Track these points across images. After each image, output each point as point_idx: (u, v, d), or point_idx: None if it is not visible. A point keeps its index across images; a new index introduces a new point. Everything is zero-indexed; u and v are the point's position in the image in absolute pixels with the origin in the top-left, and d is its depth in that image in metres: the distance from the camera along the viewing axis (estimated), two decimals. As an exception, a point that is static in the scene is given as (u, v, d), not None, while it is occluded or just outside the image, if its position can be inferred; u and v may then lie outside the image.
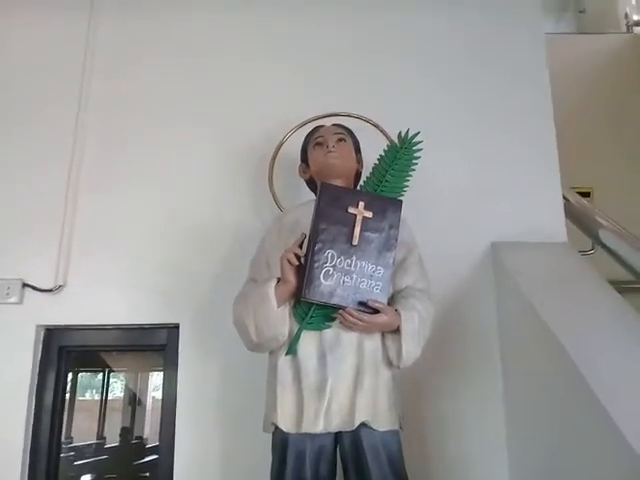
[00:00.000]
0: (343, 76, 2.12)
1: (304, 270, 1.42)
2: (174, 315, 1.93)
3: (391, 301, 1.50)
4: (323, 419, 1.39)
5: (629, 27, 3.96)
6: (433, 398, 1.79)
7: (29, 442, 1.88)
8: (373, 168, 1.57)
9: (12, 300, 1.93)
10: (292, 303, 1.47)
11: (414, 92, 2.11)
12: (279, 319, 1.44)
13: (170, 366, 1.93)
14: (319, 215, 1.44)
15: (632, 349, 1.40)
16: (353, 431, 1.39)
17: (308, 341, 1.45)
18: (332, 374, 1.41)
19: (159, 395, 1.99)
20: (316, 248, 1.42)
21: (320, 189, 1.46)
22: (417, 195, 1.62)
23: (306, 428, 1.39)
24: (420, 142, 1.55)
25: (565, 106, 2.32)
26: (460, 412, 1.78)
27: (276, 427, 1.43)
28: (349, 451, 1.41)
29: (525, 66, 2.14)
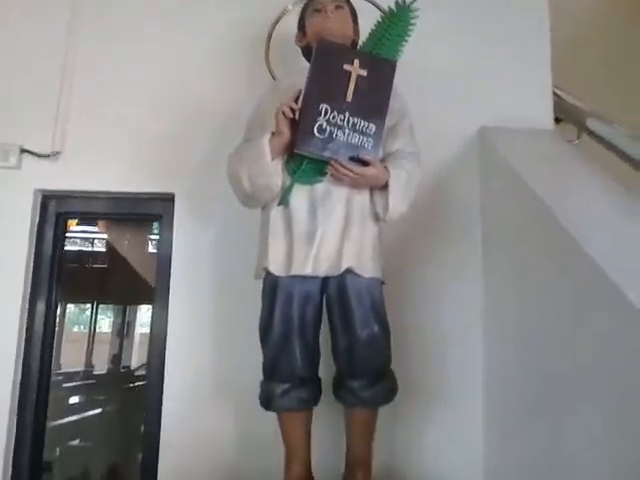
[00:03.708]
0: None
1: (298, 124, 1.47)
2: (170, 185, 1.99)
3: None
4: (312, 263, 1.48)
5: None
6: (414, 265, 1.89)
7: (27, 302, 1.97)
8: (370, 32, 1.59)
9: (10, 164, 1.97)
10: (285, 158, 1.53)
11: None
12: (272, 171, 1.50)
13: (166, 235, 2.00)
14: (315, 70, 1.47)
15: (624, 218, 1.42)
16: (339, 277, 1.48)
17: (300, 194, 1.52)
18: (322, 223, 1.49)
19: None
20: (310, 102, 1.47)
21: (317, 44, 1.49)
22: (408, 78, 1.63)
23: (295, 270, 1.48)
24: (417, 10, 1.57)
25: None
26: (439, 281, 1.89)
27: (267, 272, 1.52)
28: (335, 296, 1.50)
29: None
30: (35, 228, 2.00)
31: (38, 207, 2.01)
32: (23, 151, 1.98)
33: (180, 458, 1.82)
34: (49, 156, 1.97)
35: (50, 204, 2.03)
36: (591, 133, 1.98)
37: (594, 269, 1.18)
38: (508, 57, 2.05)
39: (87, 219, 2.30)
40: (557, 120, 2.17)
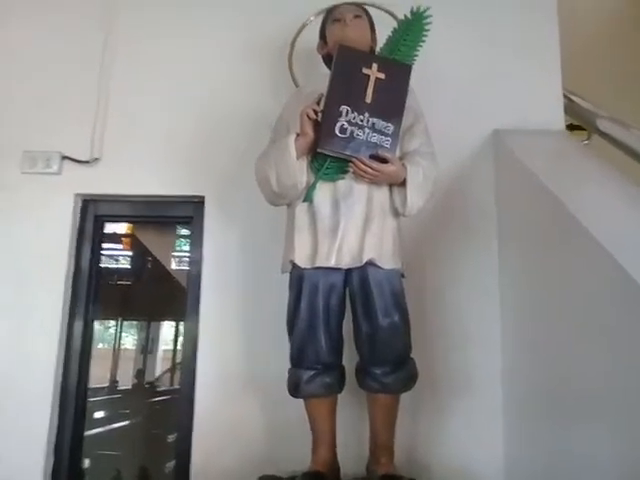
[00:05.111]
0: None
1: (321, 125, 1.58)
2: (200, 189, 2.11)
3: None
4: (335, 256, 1.57)
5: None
6: (433, 261, 1.98)
7: (68, 301, 2.10)
8: (387, 39, 1.69)
9: (52, 170, 2.11)
10: (309, 158, 1.63)
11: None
12: (298, 169, 1.60)
13: (196, 236, 2.12)
14: (336, 74, 1.58)
15: (636, 211, 1.46)
16: (361, 269, 1.57)
17: (323, 191, 1.62)
18: (344, 218, 1.58)
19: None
20: (332, 104, 1.57)
21: (338, 50, 1.60)
22: (421, 82, 1.73)
23: (320, 263, 1.57)
24: (431, 16, 1.68)
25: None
26: (458, 276, 1.97)
27: (294, 265, 1.61)
28: (357, 287, 1.58)
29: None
30: (76, 229, 2.14)
31: (78, 210, 2.15)
32: (64, 158, 2.13)
33: (212, 453, 1.90)
34: (88, 162, 2.12)
35: (89, 207, 2.17)
36: (602, 134, 2.04)
37: (608, 260, 1.23)
38: (519, 61, 2.13)
39: (122, 222, 2.43)
40: (567, 128, 2.24)
